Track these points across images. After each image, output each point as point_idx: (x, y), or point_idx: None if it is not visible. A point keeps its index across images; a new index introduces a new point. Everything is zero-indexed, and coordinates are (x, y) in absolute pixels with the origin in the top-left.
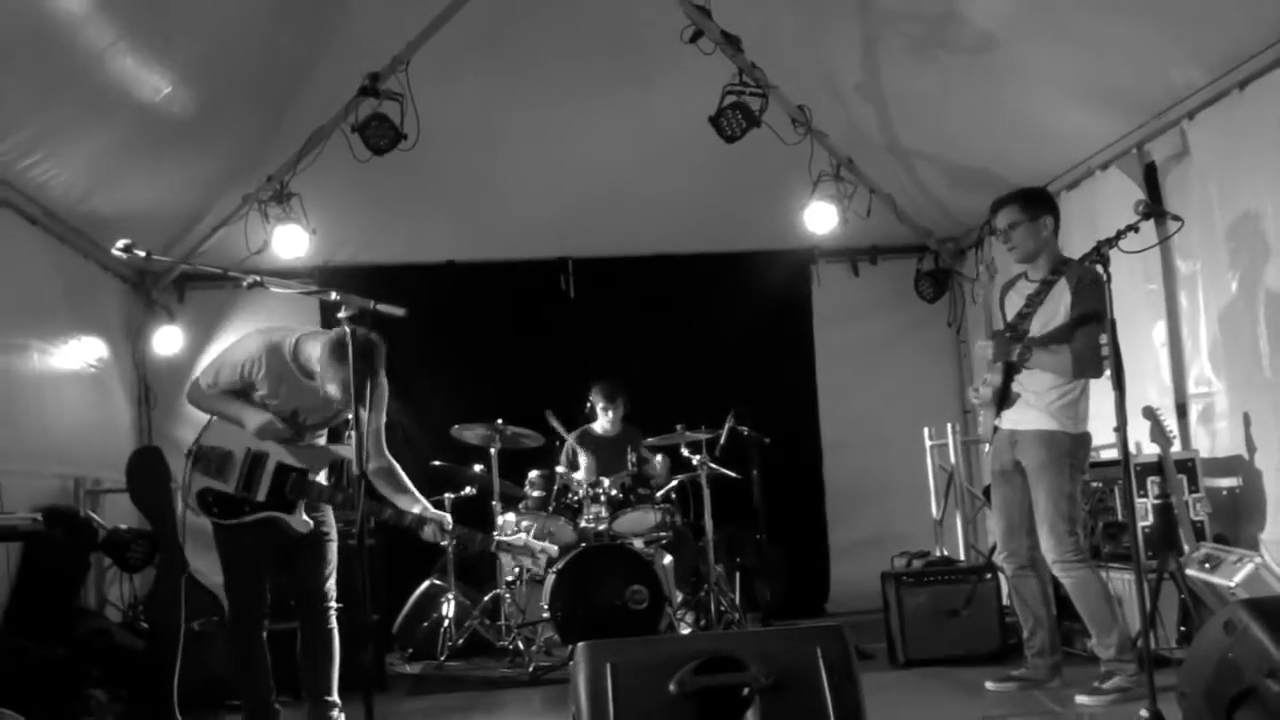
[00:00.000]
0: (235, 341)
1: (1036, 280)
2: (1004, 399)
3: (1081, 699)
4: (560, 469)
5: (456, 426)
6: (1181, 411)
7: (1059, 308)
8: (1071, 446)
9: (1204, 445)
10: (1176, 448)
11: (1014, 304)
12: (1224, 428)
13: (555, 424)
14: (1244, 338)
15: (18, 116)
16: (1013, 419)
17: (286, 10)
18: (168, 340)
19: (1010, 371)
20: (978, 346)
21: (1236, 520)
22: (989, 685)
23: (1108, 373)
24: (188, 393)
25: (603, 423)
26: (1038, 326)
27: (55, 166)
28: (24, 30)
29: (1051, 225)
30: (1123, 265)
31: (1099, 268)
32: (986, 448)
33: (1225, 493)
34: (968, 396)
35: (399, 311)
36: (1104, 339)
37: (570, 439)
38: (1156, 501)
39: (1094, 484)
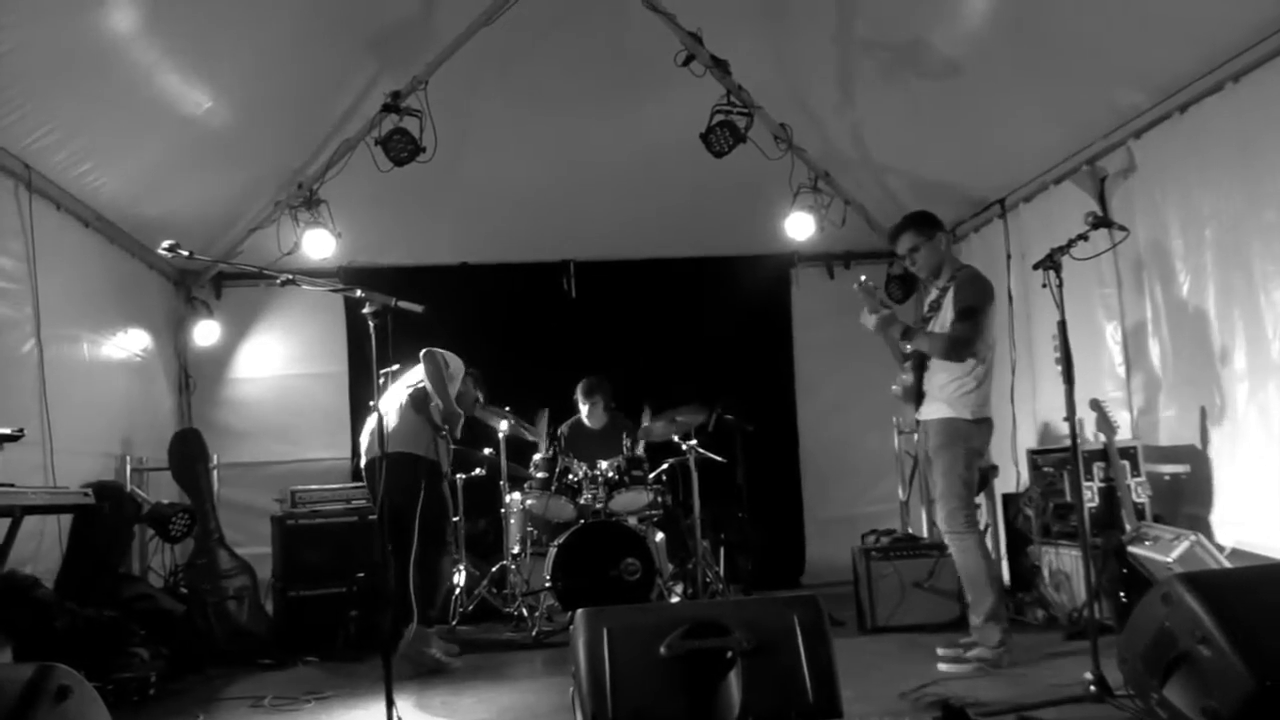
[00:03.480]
0: (453, 356)
1: (939, 288)
2: (919, 395)
3: (943, 666)
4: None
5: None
6: (1131, 404)
7: (949, 309)
8: (968, 431)
9: (1154, 435)
10: (1124, 436)
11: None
12: (1171, 418)
13: (542, 425)
14: (1197, 336)
15: (73, 129)
16: (924, 411)
17: (316, 34)
18: (207, 333)
19: (920, 370)
20: (863, 315)
21: (1181, 503)
22: (940, 652)
23: (1059, 369)
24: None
25: (586, 418)
26: (939, 328)
27: (106, 174)
28: (78, 49)
29: (944, 240)
30: (1078, 270)
31: (1049, 273)
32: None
33: (1168, 478)
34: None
35: (417, 308)
36: (981, 329)
37: (564, 427)
38: (1102, 485)
39: (1045, 469)
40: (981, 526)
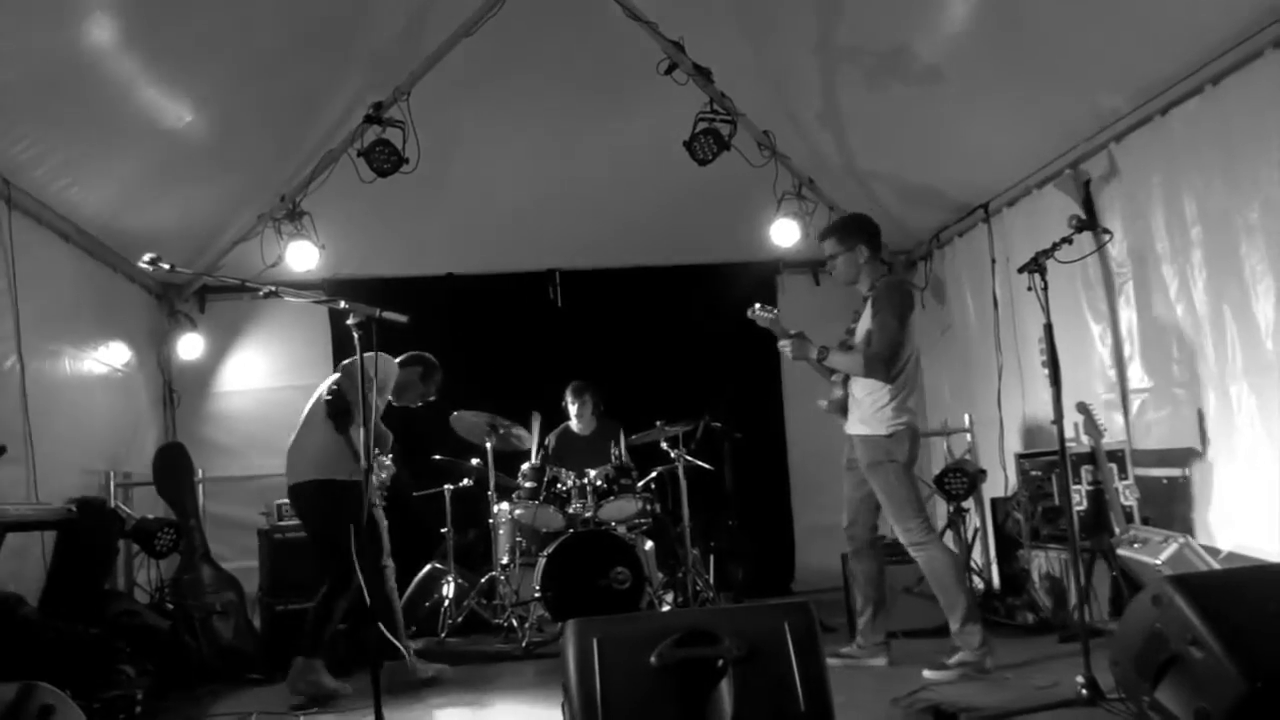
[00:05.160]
0: (383, 358)
1: (862, 298)
2: (846, 409)
3: (928, 673)
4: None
5: (456, 414)
6: (1126, 407)
7: (868, 320)
8: (887, 445)
9: (1148, 438)
10: (1115, 438)
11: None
12: (1164, 420)
13: (535, 427)
14: (1188, 337)
15: (53, 143)
16: (848, 425)
17: (298, 46)
18: (190, 346)
19: (847, 383)
20: (780, 345)
21: (1178, 506)
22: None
23: (1045, 372)
24: (355, 373)
25: (575, 420)
26: (859, 337)
27: (87, 188)
28: (58, 64)
29: (867, 252)
30: (1064, 273)
31: (1035, 276)
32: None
33: (1165, 482)
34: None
35: (402, 319)
36: (899, 343)
37: (550, 438)
38: (1089, 488)
39: (1033, 473)
40: (971, 531)
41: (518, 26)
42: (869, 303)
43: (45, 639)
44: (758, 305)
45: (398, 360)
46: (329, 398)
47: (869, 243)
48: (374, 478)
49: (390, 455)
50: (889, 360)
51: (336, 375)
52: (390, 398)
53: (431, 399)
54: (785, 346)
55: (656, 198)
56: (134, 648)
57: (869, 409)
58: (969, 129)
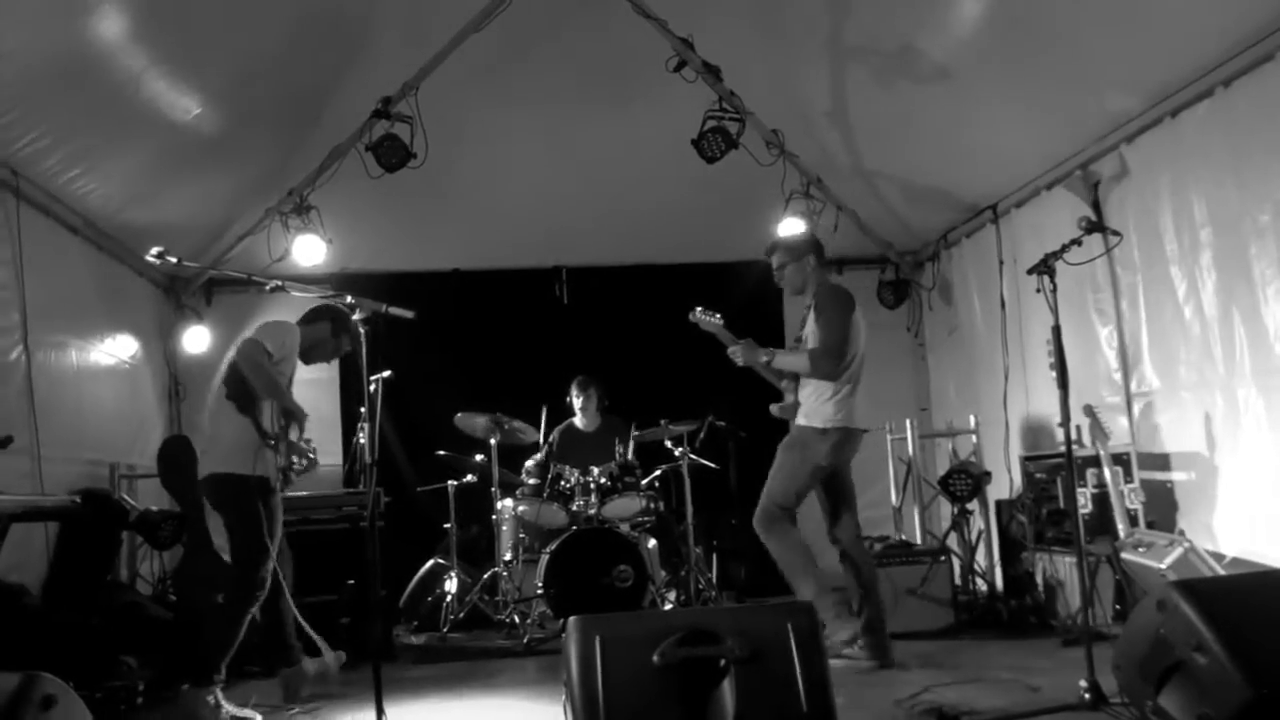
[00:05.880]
0: (282, 326)
1: (805, 307)
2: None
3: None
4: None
5: (460, 415)
6: (1130, 409)
7: (811, 325)
8: (810, 438)
9: (1153, 441)
10: (1121, 441)
11: None
12: (1170, 423)
13: (542, 418)
14: (1196, 340)
15: (62, 135)
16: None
17: (307, 40)
18: (196, 339)
19: (798, 389)
20: (729, 351)
21: (1184, 510)
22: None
23: (1053, 374)
24: (253, 355)
25: (580, 416)
26: (804, 342)
27: (95, 180)
28: (67, 57)
29: (814, 262)
30: (1072, 275)
31: (1044, 278)
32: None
33: (1170, 485)
34: (779, 403)
35: (408, 314)
36: (843, 341)
37: (555, 435)
38: (1095, 491)
39: (1038, 475)
40: (975, 533)
41: (526, 22)
42: (812, 307)
43: (48, 629)
44: (699, 309)
45: (301, 317)
46: (223, 379)
47: (815, 254)
48: (279, 458)
49: (312, 452)
50: (835, 356)
51: (231, 353)
52: (300, 363)
53: (348, 350)
54: (735, 353)
55: (664, 195)
56: (137, 638)
57: (812, 403)
58: (978, 129)
